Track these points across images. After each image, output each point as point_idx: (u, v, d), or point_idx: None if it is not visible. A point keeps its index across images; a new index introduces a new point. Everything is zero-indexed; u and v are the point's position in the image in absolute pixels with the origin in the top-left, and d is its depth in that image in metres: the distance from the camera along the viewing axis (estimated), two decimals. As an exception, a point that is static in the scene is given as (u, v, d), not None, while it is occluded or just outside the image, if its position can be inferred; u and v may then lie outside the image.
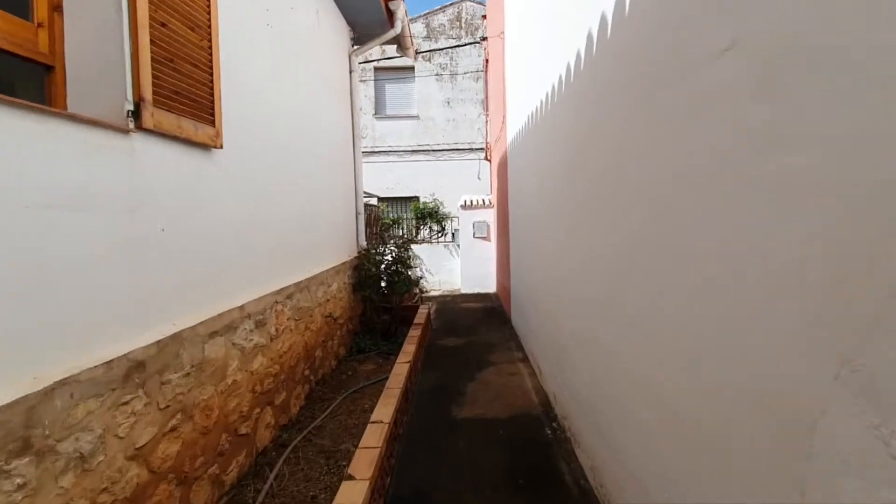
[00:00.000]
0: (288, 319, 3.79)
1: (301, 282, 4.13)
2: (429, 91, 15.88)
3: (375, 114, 15.89)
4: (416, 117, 15.89)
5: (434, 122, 15.80)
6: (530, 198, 5.17)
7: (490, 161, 11.06)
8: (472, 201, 10.57)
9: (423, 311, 6.83)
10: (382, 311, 6.58)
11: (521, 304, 6.11)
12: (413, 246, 10.97)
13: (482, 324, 7.29)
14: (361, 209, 6.97)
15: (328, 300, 4.99)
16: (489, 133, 11.33)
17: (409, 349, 4.84)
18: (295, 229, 4.15)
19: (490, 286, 10.46)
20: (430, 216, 10.83)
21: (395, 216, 11.37)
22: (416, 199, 11.85)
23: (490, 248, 10.48)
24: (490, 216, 10.62)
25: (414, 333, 5.55)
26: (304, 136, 4.46)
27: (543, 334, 4.28)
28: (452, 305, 9.06)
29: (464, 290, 10.44)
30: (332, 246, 5.39)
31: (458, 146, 16.10)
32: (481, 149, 16.19)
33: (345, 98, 6.25)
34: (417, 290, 10.10)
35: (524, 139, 5.38)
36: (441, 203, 11.18)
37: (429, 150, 16.22)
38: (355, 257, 6.36)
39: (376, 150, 15.92)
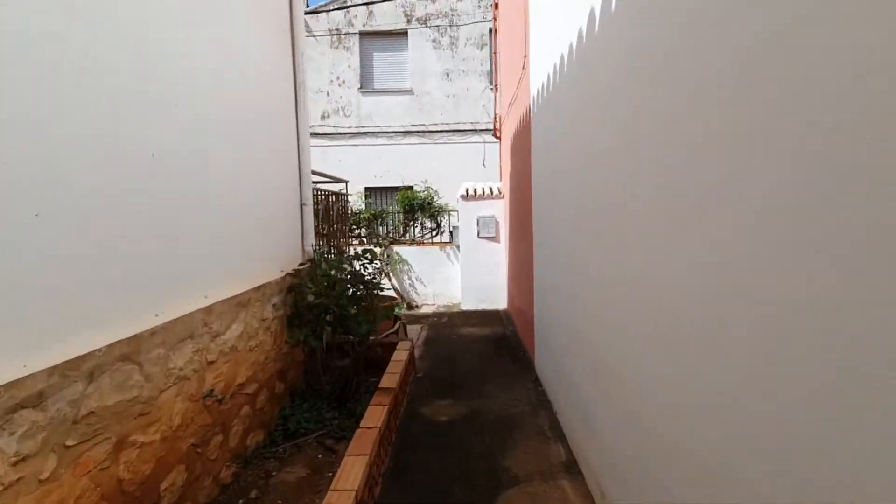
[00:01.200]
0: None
1: (134, 340, 1.64)
2: (424, 61, 13.24)
3: (361, 87, 13.26)
4: (410, 92, 13.26)
5: (431, 97, 13.16)
6: (577, 177, 2.59)
7: (500, 138, 8.47)
8: (475, 190, 7.99)
9: (402, 352, 4.31)
10: (339, 353, 4.01)
11: (554, 343, 3.67)
12: (399, 248, 8.43)
13: (491, 367, 4.81)
14: (309, 199, 4.46)
15: (213, 361, 2.51)
16: (499, 105, 8.71)
17: (367, 436, 2.40)
18: (131, 227, 1.63)
19: (499, 301, 7.91)
20: (422, 209, 8.25)
21: (379, 209, 8.76)
22: (411, 189, 9.14)
23: (499, 252, 7.91)
24: (499, 210, 8.03)
25: (383, 399, 3.06)
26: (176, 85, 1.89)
27: (630, 433, 1.72)
28: (449, 331, 6.53)
29: (465, 307, 7.90)
30: (240, 256, 2.89)
31: (460, 127, 13.43)
32: (487, 130, 13.50)
33: (281, 45, 3.70)
34: (401, 307, 7.52)
35: (566, 81, 2.80)
36: (436, 192, 8.61)
37: (424, 132, 13.62)
38: (291, 273, 3.80)
39: (362, 130, 13.31)
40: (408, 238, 8.78)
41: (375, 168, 12.39)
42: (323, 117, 13.76)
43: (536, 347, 4.70)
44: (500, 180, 8.68)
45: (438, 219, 8.70)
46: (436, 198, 8.65)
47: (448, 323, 7.28)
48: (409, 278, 8.72)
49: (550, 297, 3.97)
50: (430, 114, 13.63)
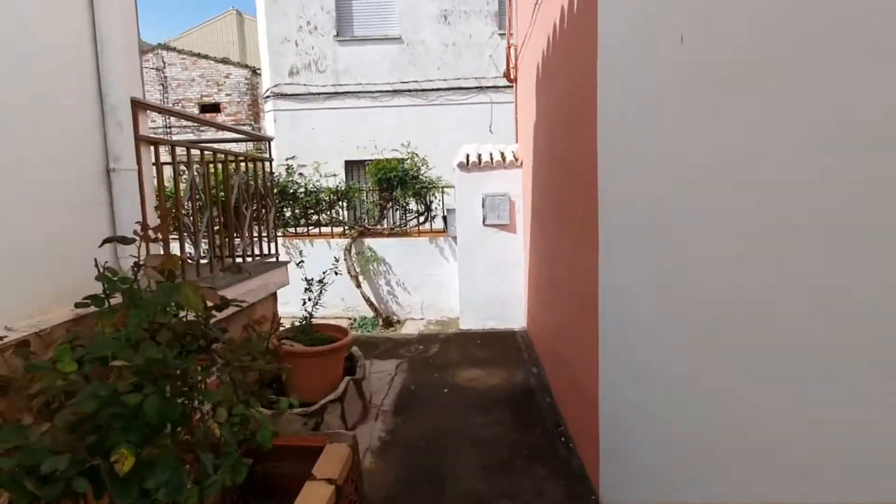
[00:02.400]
0: None
1: None
2: (416, 0, 10.34)
3: (337, 35, 10.47)
4: (398, 40, 10.49)
5: (425, 47, 10.38)
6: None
7: (515, 80, 5.70)
8: (479, 157, 5.29)
9: (329, 466, 1.73)
10: None
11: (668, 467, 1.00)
12: (373, 241, 5.76)
13: (513, 488, 2.01)
14: (131, 158, 1.67)
15: None
16: (514, 35, 5.89)
17: None
18: None
19: (513, 317, 5.37)
20: (403, 184, 5.50)
21: (345, 187, 6.01)
22: (402, 161, 6.32)
23: (515, 246, 5.30)
24: (515, 184, 5.34)
25: None
26: None
27: None
28: (438, 379, 4.21)
29: (465, 324, 5.33)
30: None
31: (462, 83, 10.61)
32: (496, 87, 10.61)
33: None
34: (375, 326, 4.90)
35: None
36: (423, 162, 5.83)
37: (417, 91, 10.83)
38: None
39: (340, 90, 10.58)
40: (385, 227, 6.05)
41: (357, 137, 9.61)
42: (291, 73, 10.91)
43: (604, 456, 2.08)
44: (517, 141, 5.87)
45: (427, 198, 5.97)
46: (423, 168, 5.89)
47: (438, 359, 4.67)
48: (388, 283, 6.04)
49: (655, 370, 1.30)
50: (424, 68, 10.84)
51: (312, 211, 6.26)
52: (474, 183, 5.56)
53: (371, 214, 6.33)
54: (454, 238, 5.89)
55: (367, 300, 6.06)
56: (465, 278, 5.70)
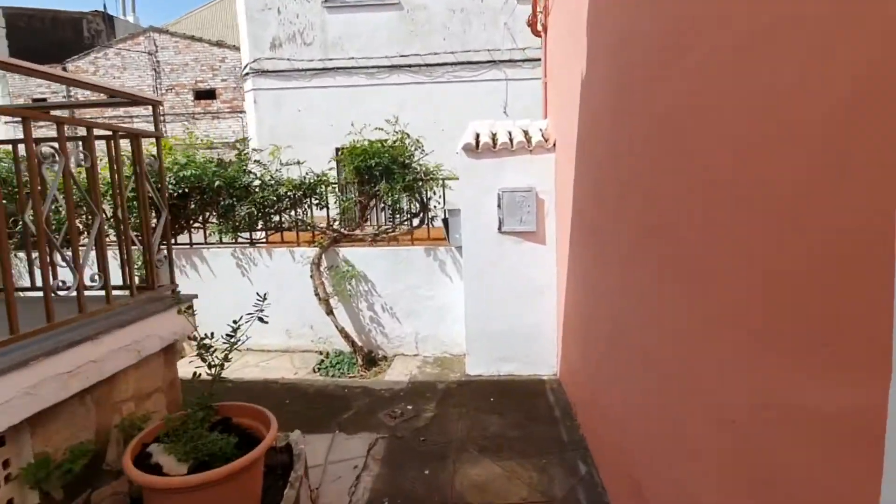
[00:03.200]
0: None
1: None
2: (416, -45, 8.72)
3: (326, 1, 8.83)
4: (397, 5, 8.82)
5: (428, 13, 8.76)
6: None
7: (544, 32, 3.98)
8: (494, 138, 3.57)
9: None
10: None
11: None
12: (350, 251, 4.18)
13: None
14: None
15: None
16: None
17: None
18: None
19: (540, 361, 3.93)
20: (388, 175, 3.84)
21: (314, 179, 4.36)
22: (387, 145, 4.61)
23: (542, 262, 3.79)
24: (544, 175, 3.63)
25: None
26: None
27: None
28: (432, 474, 2.73)
29: (473, 368, 3.86)
30: None
31: (472, 57, 8.94)
32: (512, 60, 8.94)
33: None
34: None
35: None
36: (417, 145, 4.14)
37: (420, 66, 9.19)
38: None
39: (329, 65, 8.99)
40: (367, 232, 4.42)
41: (349, 121, 7.93)
42: (273, 46, 9.32)
43: None
44: (545, 116, 4.18)
45: (423, 194, 4.32)
46: (418, 154, 4.23)
47: (432, 433, 3.22)
48: (371, 308, 4.44)
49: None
50: (427, 39, 9.24)
51: (272, 210, 4.64)
52: (487, 173, 3.91)
53: (350, 215, 4.70)
54: (459, 249, 4.25)
55: (342, 331, 4.46)
56: (474, 304, 4.07)
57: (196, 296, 2.87)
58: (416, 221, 4.69)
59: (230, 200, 4.57)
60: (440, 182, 4.53)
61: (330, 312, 4.47)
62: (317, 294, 4.47)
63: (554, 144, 3.87)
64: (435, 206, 4.68)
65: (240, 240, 4.92)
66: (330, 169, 4.65)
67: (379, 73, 9.12)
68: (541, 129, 4.07)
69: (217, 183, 4.47)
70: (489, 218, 3.96)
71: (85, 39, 23.09)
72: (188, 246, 4.97)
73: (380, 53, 9.05)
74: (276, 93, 9.26)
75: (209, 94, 18.31)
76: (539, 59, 8.94)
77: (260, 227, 4.80)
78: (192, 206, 4.66)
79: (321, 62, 9.13)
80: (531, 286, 4.01)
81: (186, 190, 4.56)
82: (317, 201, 4.74)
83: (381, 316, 4.71)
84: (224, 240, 4.92)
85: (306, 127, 8.93)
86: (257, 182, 4.61)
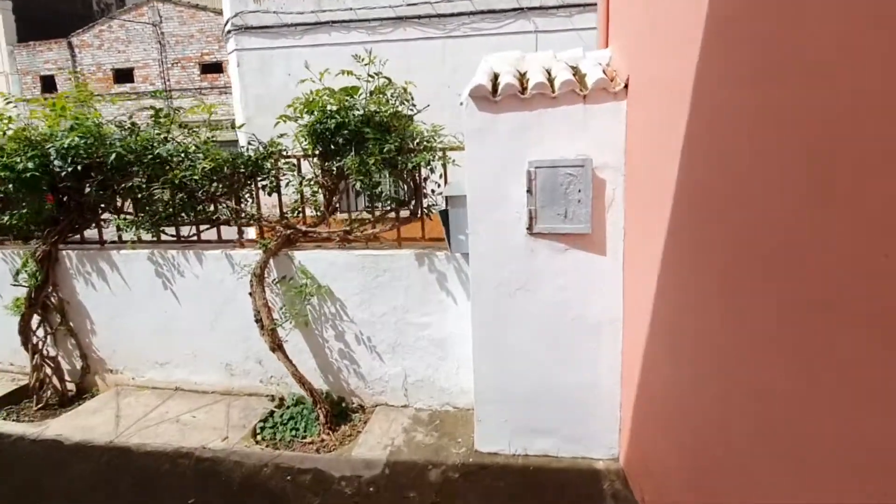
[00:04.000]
0: None
1: None
2: None
3: (316, -62, 7.15)
4: (403, -59, 7.06)
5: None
6: None
7: None
8: (521, 79, 2.04)
9: None
10: None
11: None
12: (309, 255, 2.65)
13: None
14: None
15: None
16: None
17: None
18: None
19: (591, 436, 2.73)
20: (360, 143, 2.28)
21: (270, 150, 2.85)
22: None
23: (600, 283, 2.60)
24: (607, 140, 2.09)
25: None
26: None
27: None
28: None
29: (485, 442, 2.76)
30: None
31: (494, 4, 7.25)
32: (542, 8, 7.21)
33: None
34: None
35: None
36: (402, 97, 2.53)
37: (431, 17, 7.57)
38: None
39: (323, 18, 7.48)
40: (335, 229, 2.89)
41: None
42: (255, -2, 7.84)
43: None
44: (606, 44, 2.49)
45: (413, 170, 2.74)
46: (404, 108, 2.64)
47: None
48: (340, 337, 2.96)
49: None
50: (439, -18, 7.57)
51: (203, 197, 3.18)
52: (510, 136, 2.36)
53: (313, 204, 3.19)
54: (465, 256, 2.71)
55: (296, 374, 3.02)
56: (488, 346, 2.58)
57: None
58: (404, 213, 3.14)
59: (140, 180, 3.13)
60: (439, 154, 2.97)
61: (278, 348, 3.01)
62: (258, 320, 3.01)
63: (626, 87, 2.26)
64: (433, 192, 3.12)
65: (165, 237, 3.50)
66: (281, 137, 3.14)
67: (381, 27, 7.52)
68: (600, 63, 2.45)
69: (114, 155, 3.02)
70: (512, 210, 2.41)
71: (95, 14, 22.15)
72: (98, 246, 3.59)
73: (383, 3, 7.45)
74: (261, 54, 7.81)
75: (216, 68, 17.03)
76: (577, 4, 7.09)
77: (187, 219, 3.35)
78: (89, 189, 3.24)
79: (314, 15, 7.60)
80: (580, 322, 2.45)
81: (79, 167, 3.15)
82: (266, 183, 3.25)
83: (356, 350, 3.23)
84: (145, 237, 3.51)
85: (297, 94, 7.48)
86: (180, 155, 3.13)
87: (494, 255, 2.49)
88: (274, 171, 3.21)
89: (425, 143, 2.96)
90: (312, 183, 3.14)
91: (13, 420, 3.35)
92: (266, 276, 3.12)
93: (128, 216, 3.43)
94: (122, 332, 3.63)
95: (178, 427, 3.14)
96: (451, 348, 3.10)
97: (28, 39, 17.36)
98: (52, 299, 3.66)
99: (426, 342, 3.12)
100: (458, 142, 2.93)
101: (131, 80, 18.45)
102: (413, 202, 3.10)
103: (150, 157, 3.14)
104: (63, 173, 3.19)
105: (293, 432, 3.11)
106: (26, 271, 3.49)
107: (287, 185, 3.22)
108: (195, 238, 3.50)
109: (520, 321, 2.53)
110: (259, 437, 3.08)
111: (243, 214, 3.25)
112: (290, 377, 3.12)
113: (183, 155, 3.16)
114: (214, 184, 3.17)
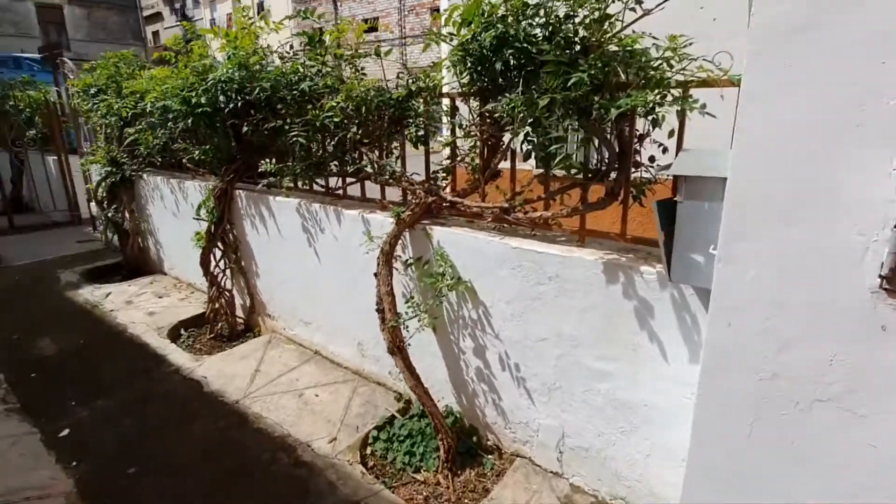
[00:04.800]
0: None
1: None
2: None
3: None
4: None
5: None
6: None
7: None
8: None
9: None
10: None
11: None
12: (449, 237, 1.81)
13: None
14: None
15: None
16: None
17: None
18: None
19: None
20: (531, 70, 1.24)
21: (417, 80, 2.06)
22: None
23: None
24: None
25: None
26: None
27: None
28: None
29: None
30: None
31: None
32: None
33: None
34: None
35: None
36: None
37: None
38: None
39: None
40: (489, 204, 1.92)
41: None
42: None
43: None
44: None
45: (617, 123, 1.50)
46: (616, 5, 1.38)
47: None
48: (480, 352, 2.05)
49: None
50: None
51: (347, 143, 2.56)
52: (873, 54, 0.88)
53: (469, 164, 2.25)
54: (703, 292, 1.40)
55: (418, 387, 2.27)
56: (726, 472, 1.28)
57: None
58: (597, 193, 1.92)
59: (282, 122, 2.66)
60: (674, 94, 1.61)
61: (397, 351, 2.29)
62: (379, 310, 2.32)
63: None
64: (653, 161, 1.80)
65: (317, 188, 3.07)
66: (435, 63, 2.21)
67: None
68: None
69: (257, 90, 2.58)
70: (846, 226, 1.00)
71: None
72: (265, 189, 3.40)
73: None
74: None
75: (443, 11, 17.09)
76: None
77: (335, 170, 2.80)
78: (246, 128, 2.94)
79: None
80: None
81: (239, 103, 2.85)
82: (412, 131, 2.42)
83: (497, 376, 2.29)
84: (300, 185, 3.15)
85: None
86: (322, 91, 2.53)
87: (775, 312, 1.15)
88: (423, 115, 2.35)
89: (651, 71, 1.63)
90: (468, 133, 2.17)
91: (185, 347, 3.56)
92: (393, 252, 2.37)
93: (280, 161, 3.08)
94: (277, 281, 3.48)
95: (297, 405, 2.80)
96: (645, 422, 1.88)
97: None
98: (229, 236, 3.71)
99: (602, 399, 1.97)
100: (719, 69, 1.52)
101: (375, 30, 20.00)
102: (614, 175, 1.85)
103: (295, 93, 2.62)
104: (226, 110, 2.95)
105: (406, 457, 2.42)
106: (206, 207, 3.55)
107: (434, 135, 2.32)
108: (341, 192, 2.97)
109: (823, 469, 1.17)
110: (368, 451, 2.50)
111: (386, 169, 2.52)
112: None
113: (327, 91, 2.55)
114: (354, 128, 2.49)
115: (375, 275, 2.40)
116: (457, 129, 2.25)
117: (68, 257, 5.61)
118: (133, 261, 5.13)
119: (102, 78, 4.52)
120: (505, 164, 2.19)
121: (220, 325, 3.76)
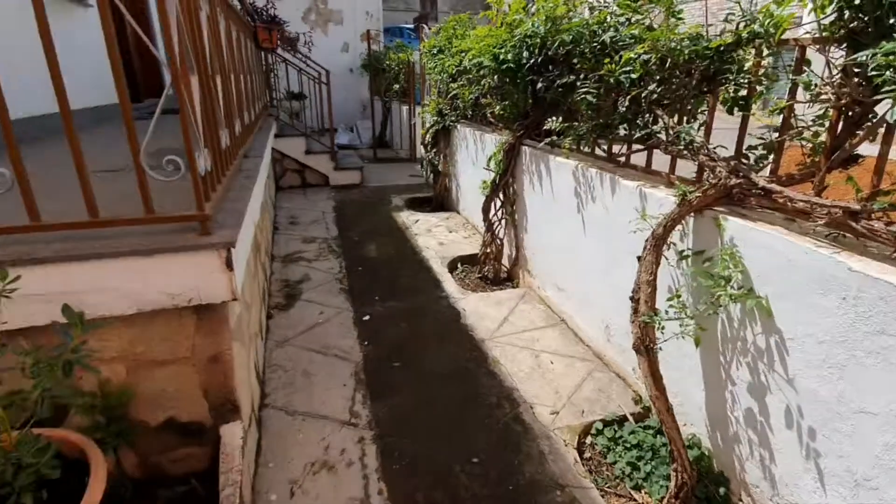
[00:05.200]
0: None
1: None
2: None
3: None
4: None
5: None
6: None
7: None
8: None
9: None
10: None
11: None
12: (746, 233, 1.51)
13: None
14: None
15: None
16: None
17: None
18: None
19: None
20: None
21: (751, 22, 1.70)
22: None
23: None
24: None
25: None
26: None
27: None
28: None
29: None
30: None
31: None
32: None
33: None
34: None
35: None
36: None
37: None
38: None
39: None
40: (830, 197, 1.41)
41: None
42: None
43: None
44: None
45: None
46: None
47: None
48: (758, 395, 1.64)
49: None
50: None
51: (640, 103, 2.22)
52: None
53: (810, 139, 1.60)
54: None
55: (658, 400, 1.90)
56: None
57: (233, 243, 1.56)
58: None
59: (568, 77, 2.49)
60: None
61: (645, 351, 1.96)
62: (633, 299, 2.01)
63: None
64: None
65: (599, 152, 2.83)
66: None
67: None
68: None
69: (557, 43, 2.46)
70: None
71: None
72: (548, 147, 3.37)
73: None
74: None
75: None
76: None
77: (622, 133, 2.50)
78: (541, 84, 2.89)
79: None
80: None
81: (539, 59, 2.83)
82: (731, 93, 1.88)
83: (777, 430, 1.69)
84: (582, 147, 2.98)
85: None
86: (623, 42, 2.21)
87: None
88: (751, 70, 1.75)
89: None
90: (816, 97, 1.51)
91: (457, 279, 4.07)
92: (667, 237, 1.96)
93: (568, 119, 2.94)
94: (541, 239, 3.51)
95: (531, 364, 2.83)
96: None
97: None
98: (510, 189, 3.91)
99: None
100: None
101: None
102: None
103: (595, 45, 2.38)
104: (527, 65, 2.97)
105: (629, 468, 2.14)
106: (495, 159, 3.80)
107: (757, 98, 1.71)
108: (623, 159, 2.63)
109: None
110: (588, 441, 2.32)
111: (683, 137, 2.06)
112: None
113: (630, 42, 2.21)
114: (653, 85, 2.10)
115: (639, 258, 2.07)
116: (799, 92, 1.61)
117: (401, 186, 7.16)
118: (439, 197, 6.14)
119: (443, 39, 5.29)
120: (868, 150, 1.45)
121: (487, 268, 4.12)
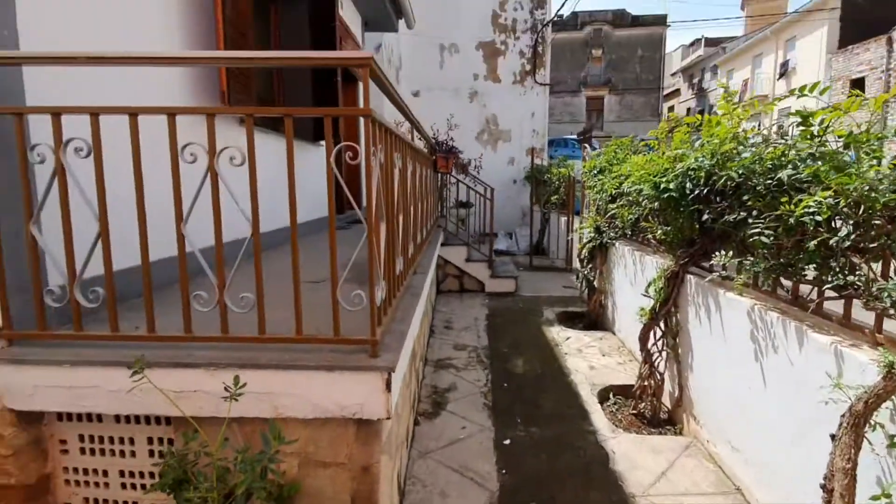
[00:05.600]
0: None
1: None
2: None
3: None
4: None
5: None
6: None
7: None
8: None
9: None
10: None
11: None
12: None
13: None
14: None
15: None
16: None
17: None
18: None
19: None
20: None
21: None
22: None
23: None
24: None
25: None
26: None
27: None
28: None
29: None
30: None
31: None
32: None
33: None
34: None
35: None
36: None
37: None
38: None
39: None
40: None
41: None
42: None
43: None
44: None
45: None
46: None
47: None
48: None
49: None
50: None
51: (829, 246, 1.98)
52: None
53: None
54: None
55: None
56: None
57: (393, 368, 1.81)
58: None
59: (739, 213, 2.35)
60: None
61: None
62: (826, 488, 1.63)
63: None
64: None
65: (782, 292, 2.51)
66: None
67: None
68: None
69: (724, 178, 2.38)
70: None
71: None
72: (718, 279, 3.10)
73: None
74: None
75: None
76: None
77: (803, 275, 2.21)
78: (706, 216, 2.77)
79: None
80: None
81: (704, 191, 2.77)
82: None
83: None
84: (761, 282, 2.68)
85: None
86: (806, 181, 2.06)
87: None
88: None
89: None
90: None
91: (608, 412, 3.75)
92: (867, 418, 1.58)
93: (740, 254, 2.70)
94: (710, 383, 3.10)
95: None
96: None
97: (851, 42, 16.69)
98: (671, 319, 3.63)
99: None
100: None
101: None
102: None
103: (769, 182, 2.25)
104: (690, 195, 2.91)
105: None
106: (655, 286, 3.61)
107: None
108: (813, 304, 2.27)
109: None
110: None
111: (888, 295, 1.73)
112: None
113: (812, 182, 2.03)
114: (846, 229, 1.85)
115: (832, 437, 1.70)
116: None
117: (554, 297, 7.16)
118: (593, 313, 5.94)
119: (604, 161, 5.50)
120: None
121: (644, 404, 3.74)
